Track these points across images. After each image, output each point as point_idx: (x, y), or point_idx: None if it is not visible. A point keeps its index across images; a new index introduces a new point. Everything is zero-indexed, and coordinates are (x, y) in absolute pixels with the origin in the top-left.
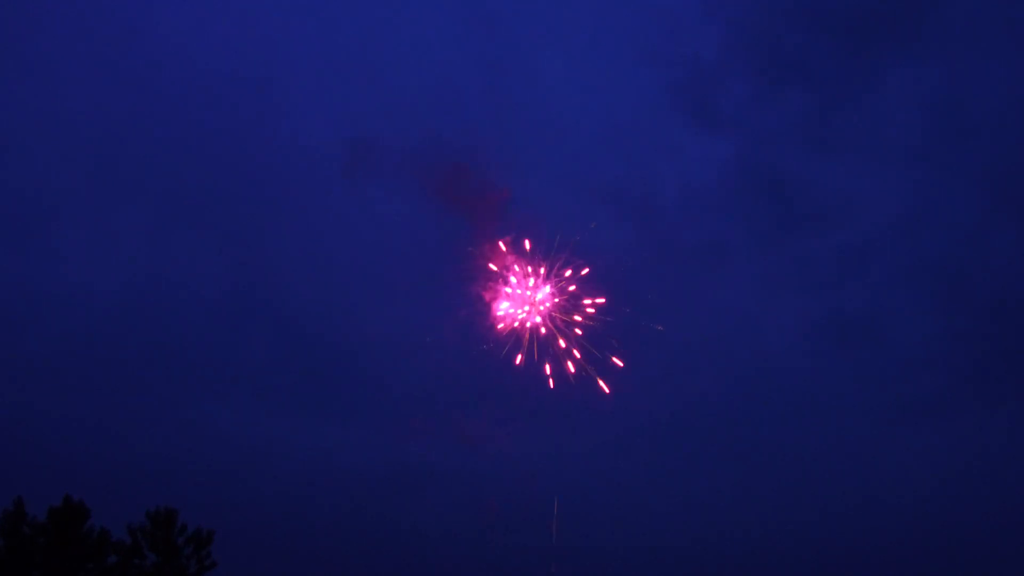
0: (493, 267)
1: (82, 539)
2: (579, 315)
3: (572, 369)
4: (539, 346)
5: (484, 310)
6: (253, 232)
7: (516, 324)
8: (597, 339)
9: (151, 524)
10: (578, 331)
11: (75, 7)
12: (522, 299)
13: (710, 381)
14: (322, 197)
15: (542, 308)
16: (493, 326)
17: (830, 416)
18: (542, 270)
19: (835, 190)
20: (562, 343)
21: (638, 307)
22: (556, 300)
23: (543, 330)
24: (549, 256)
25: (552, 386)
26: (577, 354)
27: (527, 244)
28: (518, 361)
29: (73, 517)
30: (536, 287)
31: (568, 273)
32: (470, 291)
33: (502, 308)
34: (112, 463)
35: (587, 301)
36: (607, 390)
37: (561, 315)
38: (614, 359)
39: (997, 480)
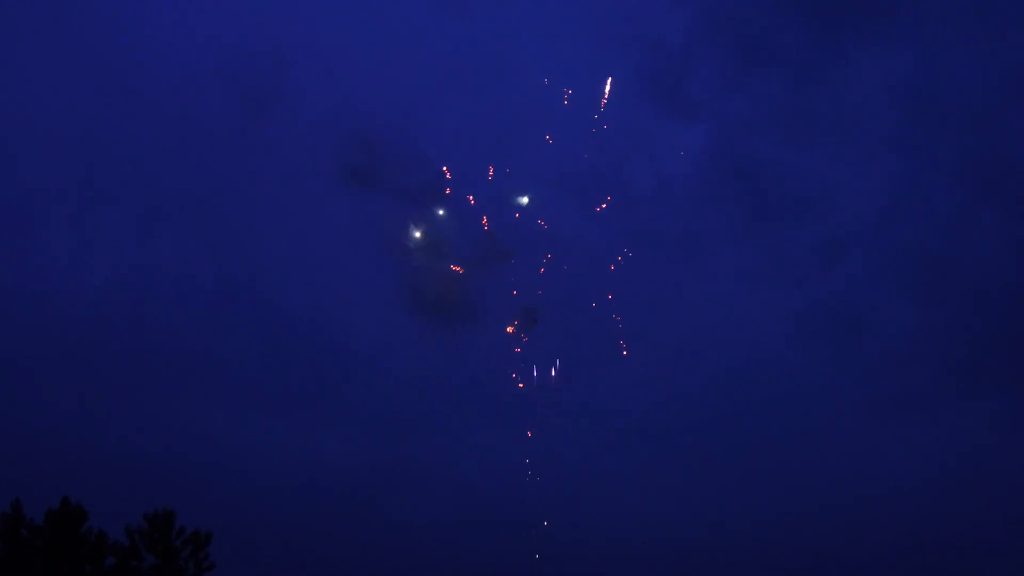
0: None
1: (80, 541)
2: None
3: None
4: None
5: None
6: (242, 232)
7: None
8: None
9: (149, 526)
10: None
11: (59, 8)
12: None
13: (689, 376)
14: (311, 198)
15: None
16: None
17: (813, 409)
18: None
19: (811, 179)
20: None
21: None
22: None
23: None
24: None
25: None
26: None
27: None
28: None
29: (71, 520)
30: None
31: None
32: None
33: None
34: (107, 464)
35: None
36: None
37: None
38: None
39: (983, 472)
